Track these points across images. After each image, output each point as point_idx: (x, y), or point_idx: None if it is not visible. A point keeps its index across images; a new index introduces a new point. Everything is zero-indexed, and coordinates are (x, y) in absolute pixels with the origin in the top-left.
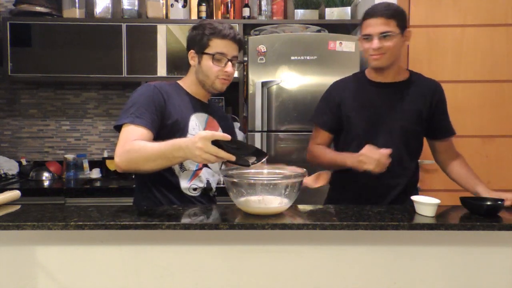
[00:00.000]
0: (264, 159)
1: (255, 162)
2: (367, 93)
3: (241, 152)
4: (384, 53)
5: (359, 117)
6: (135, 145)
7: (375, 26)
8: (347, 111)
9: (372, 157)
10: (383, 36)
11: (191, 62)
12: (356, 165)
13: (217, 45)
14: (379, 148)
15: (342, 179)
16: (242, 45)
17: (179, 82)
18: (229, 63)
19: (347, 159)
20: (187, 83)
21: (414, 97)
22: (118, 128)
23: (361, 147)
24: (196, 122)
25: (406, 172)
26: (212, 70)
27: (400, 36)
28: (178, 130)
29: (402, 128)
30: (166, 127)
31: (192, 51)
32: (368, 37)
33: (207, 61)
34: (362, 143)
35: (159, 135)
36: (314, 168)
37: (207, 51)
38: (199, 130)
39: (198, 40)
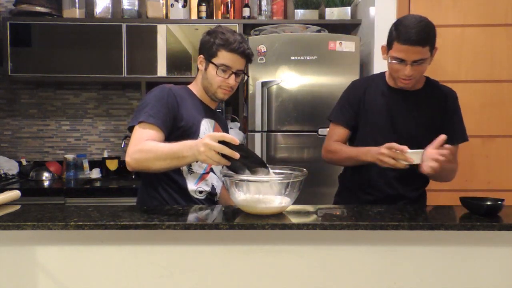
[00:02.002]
0: (267, 172)
1: (258, 175)
2: (386, 98)
3: (247, 161)
4: (413, 78)
5: (376, 122)
6: (146, 145)
7: (410, 53)
8: (366, 113)
9: (390, 156)
10: (416, 63)
11: (199, 66)
12: (376, 161)
13: (224, 57)
14: (397, 144)
15: (353, 186)
16: (250, 60)
17: (189, 86)
18: (233, 75)
19: (368, 155)
20: (196, 88)
21: (429, 105)
22: (131, 129)
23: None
24: (206, 126)
25: (417, 179)
26: (215, 79)
27: (430, 58)
28: (190, 133)
29: (415, 136)
30: (179, 129)
31: (201, 56)
32: (400, 61)
33: (212, 70)
34: (370, 144)
35: (171, 137)
36: (315, 169)
37: (214, 60)
38: None
39: (208, 47)
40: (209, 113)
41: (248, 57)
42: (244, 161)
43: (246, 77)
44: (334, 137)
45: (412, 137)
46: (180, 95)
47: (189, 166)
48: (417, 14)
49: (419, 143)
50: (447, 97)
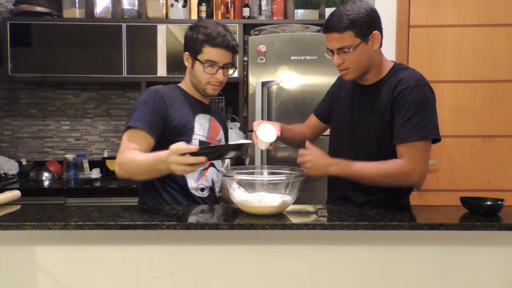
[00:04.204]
0: (245, 152)
1: (240, 155)
2: (349, 95)
3: (221, 153)
4: (347, 68)
5: (336, 118)
6: (128, 158)
7: (330, 41)
8: (337, 107)
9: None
10: (342, 51)
11: (186, 63)
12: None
13: (209, 53)
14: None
15: (327, 185)
16: (236, 51)
17: (179, 85)
18: (220, 70)
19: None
20: (187, 85)
21: (381, 98)
22: None
23: (332, 149)
24: (200, 123)
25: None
26: (203, 76)
27: (363, 45)
28: (184, 132)
29: (363, 134)
30: (171, 130)
31: (187, 53)
32: (331, 52)
33: (199, 67)
34: (333, 145)
35: (165, 138)
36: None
37: (199, 57)
38: (204, 131)
39: (193, 44)
40: (203, 108)
41: (233, 49)
42: (217, 155)
43: (235, 69)
44: (306, 123)
45: (361, 137)
46: (168, 95)
47: None
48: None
49: (368, 144)
50: (397, 86)
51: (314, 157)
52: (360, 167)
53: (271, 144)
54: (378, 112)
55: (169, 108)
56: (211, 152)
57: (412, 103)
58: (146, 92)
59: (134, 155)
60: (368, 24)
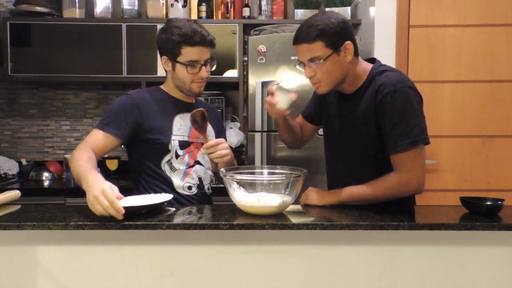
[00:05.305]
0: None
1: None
2: (334, 103)
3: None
4: (320, 81)
5: (325, 124)
6: (76, 156)
7: (301, 53)
8: (323, 112)
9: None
10: (313, 62)
11: (165, 67)
12: None
13: (189, 53)
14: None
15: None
16: (214, 45)
17: (161, 86)
18: (203, 67)
19: None
20: (168, 87)
21: (363, 107)
22: None
23: (328, 155)
24: (180, 122)
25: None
26: (187, 77)
27: (335, 56)
28: (161, 133)
29: (352, 149)
30: (148, 132)
31: (164, 57)
32: (302, 63)
33: (181, 69)
34: (327, 152)
35: (144, 138)
36: (315, 169)
37: (179, 59)
38: (184, 130)
39: (170, 47)
40: (184, 107)
41: (211, 43)
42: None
43: (215, 63)
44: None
45: (347, 148)
46: (144, 100)
47: (171, 165)
48: (329, 11)
49: (355, 156)
50: (377, 93)
51: (309, 191)
52: (358, 190)
53: (292, 100)
54: (363, 122)
55: (143, 117)
56: (132, 211)
57: (394, 110)
58: (120, 98)
59: (82, 156)
60: (339, 34)
